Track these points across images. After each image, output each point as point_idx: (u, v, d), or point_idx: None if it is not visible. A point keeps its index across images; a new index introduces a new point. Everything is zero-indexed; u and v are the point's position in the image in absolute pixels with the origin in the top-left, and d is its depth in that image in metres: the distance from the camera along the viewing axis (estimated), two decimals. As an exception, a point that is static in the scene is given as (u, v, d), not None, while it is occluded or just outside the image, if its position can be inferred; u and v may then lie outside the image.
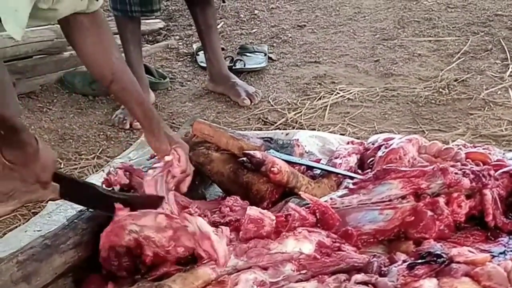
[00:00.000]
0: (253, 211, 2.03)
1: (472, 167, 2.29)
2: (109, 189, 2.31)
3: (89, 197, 2.13)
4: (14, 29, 1.76)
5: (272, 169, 2.32)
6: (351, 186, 2.26)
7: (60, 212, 2.55)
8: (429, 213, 2.13)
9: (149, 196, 2.22)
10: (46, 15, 2.01)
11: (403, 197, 2.17)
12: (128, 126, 3.33)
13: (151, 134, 2.33)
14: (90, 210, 2.18)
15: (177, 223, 1.94)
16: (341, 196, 2.22)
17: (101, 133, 3.31)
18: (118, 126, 3.35)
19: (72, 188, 2.12)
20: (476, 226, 2.24)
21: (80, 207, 2.19)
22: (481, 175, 2.24)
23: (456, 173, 2.21)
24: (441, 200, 2.16)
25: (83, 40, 2.27)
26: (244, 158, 2.41)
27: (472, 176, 2.23)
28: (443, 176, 2.19)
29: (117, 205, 2.03)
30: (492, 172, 2.28)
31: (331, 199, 2.19)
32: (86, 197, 2.13)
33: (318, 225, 2.10)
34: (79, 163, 3.04)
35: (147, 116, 2.32)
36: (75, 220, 2.13)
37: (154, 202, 2.17)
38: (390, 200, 2.17)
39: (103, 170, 2.85)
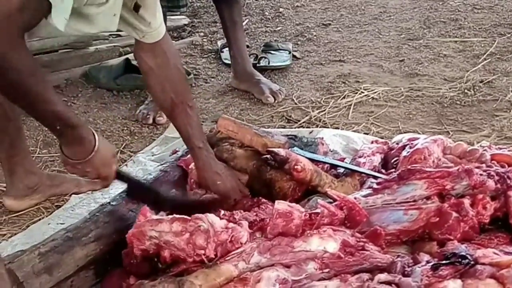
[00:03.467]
0: (282, 205, 2.01)
1: (497, 169, 2.26)
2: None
3: (152, 201, 2.18)
4: (59, 17, 1.79)
5: (295, 167, 2.32)
6: (375, 185, 2.24)
7: (83, 206, 2.56)
8: (454, 214, 2.10)
9: (212, 201, 2.29)
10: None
11: (428, 198, 2.15)
12: (151, 121, 3.34)
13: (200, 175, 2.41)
14: (111, 203, 2.20)
15: (191, 226, 1.92)
16: (365, 196, 2.21)
17: (125, 128, 3.32)
18: (142, 121, 3.36)
19: (135, 190, 2.24)
20: (500, 228, 2.22)
21: (103, 201, 2.21)
22: (506, 177, 2.22)
23: (481, 175, 2.19)
24: (466, 201, 2.14)
25: (144, 72, 2.34)
26: (268, 156, 2.40)
27: (497, 177, 2.20)
28: (468, 177, 2.17)
29: (142, 210, 2.02)
30: None
31: (355, 198, 2.17)
32: (149, 200, 2.17)
33: (346, 221, 2.08)
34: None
35: (196, 159, 2.41)
36: (97, 214, 2.15)
37: (220, 204, 2.23)
38: (414, 201, 2.15)
39: (126, 165, 2.86)
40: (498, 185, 2.20)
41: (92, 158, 2.04)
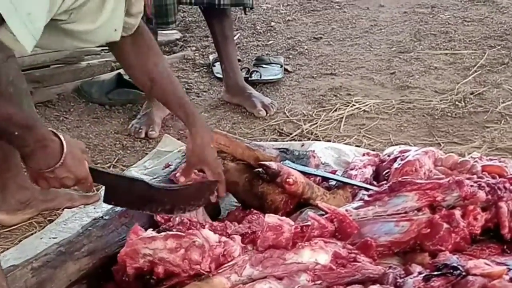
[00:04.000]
0: (272, 218, 2.02)
1: (488, 180, 2.28)
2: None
3: (136, 195, 2.10)
4: (25, 36, 1.66)
5: (287, 180, 2.32)
6: (366, 198, 2.25)
7: (76, 220, 2.56)
8: (445, 225, 2.12)
9: (201, 182, 2.22)
10: (83, 37, 1.98)
11: (419, 209, 2.17)
12: (143, 135, 3.34)
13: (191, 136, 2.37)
14: (104, 218, 2.19)
15: (185, 242, 1.92)
16: (356, 208, 2.22)
17: (117, 142, 3.33)
18: (134, 135, 3.36)
19: (116, 186, 2.07)
20: (491, 238, 2.23)
21: (95, 215, 2.19)
22: (496, 188, 2.23)
23: (471, 186, 2.21)
24: (457, 213, 2.15)
25: (123, 55, 2.32)
26: (260, 169, 2.41)
27: (487, 189, 2.22)
28: (459, 189, 2.18)
29: (133, 228, 2.00)
30: (507, 185, 2.27)
31: (346, 210, 2.18)
32: (133, 195, 2.09)
33: (336, 234, 2.09)
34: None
35: (188, 117, 2.36)
36: (89, 228, 2.15)
37: (209, 187, 2.16)
38: (405, 212, 2.16)
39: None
40: (489, 196, 2.21)
41: (64, 159, 1.87)
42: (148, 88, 2.39)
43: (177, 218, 2.14)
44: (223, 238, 1.99)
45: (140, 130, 3.36)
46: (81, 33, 1.92)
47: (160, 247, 1.92)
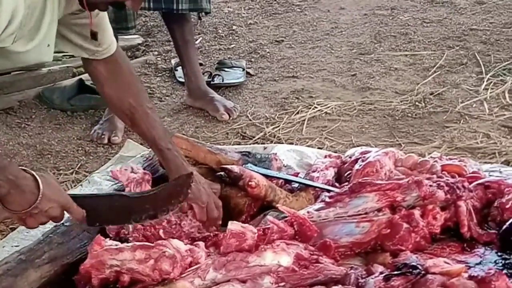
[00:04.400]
0: (235, 225, 2.03)
1: (447, 179, 2.31)
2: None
3: (118, 210, 2.07)
4: None
5: (249, 183, 2.33)
6: (327, 199, 2.27)
7: (38, 228, 2.53)
8: (405, 225, 2.14)
9: (176, 179, 2.20)
10: (16, 58, 1.95)
11: (379, 210, 2.19)
12: (106, 141, 3.33)
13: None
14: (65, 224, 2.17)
15: (155, 252, 1.92)
16: (318, 210, 2.23)
17: (80, 148, 3.31)
18: (97, 141, 3.35)
19: (96, 207, 2.03)
20: (452, 237, 2.26)
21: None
22: (455, 187, 2.27)
23: (430, 186, 2.24)
24: (417, 212, 2.18)
25: (99, 83, 2.33)
26: (222, 173, 2.42)
27: (446, 188, 2.25)
28: (418, 189, 2.21)
29: (96, 239, 1.96)
30: (466, 184, 2.31)
31: (308, 212, 2.20)
32: (114, 210, 2.06)
33: (297, 237, 2.10)
34: (58, 178, 3.02)
35: (166, 162, 2.34)
36: (50, 235, 2.14)
37: (185, 182, 2.14)
38: (366, 213, 2.19)
39: (81, 185, 2.85)
40: (448, 196, 2.24)
41: (43, 192, 1.82)
42: (128, 125, 2.45)
43: (130, 226, 2.13)
44: (188, 246, 1.99)
45: (102, 136, 3.35)
46: (18, 54, 1.89)
47: (128, 258, 1.90)
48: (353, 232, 2.15)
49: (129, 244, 1.95)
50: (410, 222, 2.15)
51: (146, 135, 2.36)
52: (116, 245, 1.95)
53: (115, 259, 1.90)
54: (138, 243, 1.96)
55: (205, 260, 1.95)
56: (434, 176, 2.37)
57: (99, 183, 2.84)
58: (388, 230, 2.15)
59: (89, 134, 3.42)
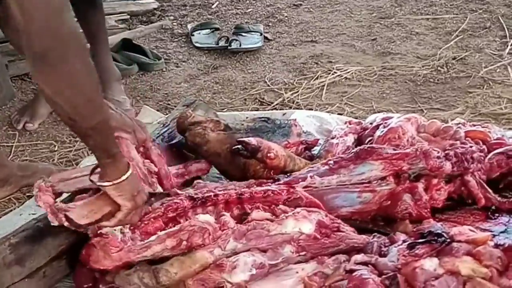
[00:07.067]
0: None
1: (457, 150, 2.24)
2: None
3: None
4: None
5: (268, 154, 2.28)
6: (332, 164, 2.21)
7: (55, 196, 2.51)
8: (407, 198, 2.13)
9: None
10: None
11: (383, 178, 2.15)
12: (21, 127, 3.23)
13: None
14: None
15: (184, 233, 1.87)
16: (321, 176, 2.18)
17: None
18: (13, 124, 3.25)
19: None
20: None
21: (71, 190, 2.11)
22: (463, 159, 2.20)
23: (438, 158, 2.18)
24: (420, 186, 2.14)
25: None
26: (239, 146, 2.37)
27: (454, 159, 2.19)
28: (425, 161, 2.16)
29: (112, 241, 1.89)
30: (476, 155, 2.24)
31: (311, 177, 2.15)
32: None
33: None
34: (74, 146, 3.01)
35: None
36: (67, 200, 2.10)
37: None
38: (369, 182, 2.15)
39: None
40: (455, 168, 2.19)
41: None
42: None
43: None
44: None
45: (19, 120, 3.25)
46: None
47: (159, 250, 1.86)
48: (354, 202, 2.13)
49: (154, 238, 1.89)
50: (413, 195, 2.12)
51: None
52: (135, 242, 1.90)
53: (145, 256, 1.86)
54: (162, 233, 1.90)
55: (225, 230, 1.91)
56: (458, 142, 2.32)
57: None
58: (389, 202, 2.13)
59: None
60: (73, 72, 1.57)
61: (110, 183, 1.78)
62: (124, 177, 1.78)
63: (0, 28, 2.45)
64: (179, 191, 2.09)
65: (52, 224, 1.90)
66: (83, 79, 1.61)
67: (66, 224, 1.88)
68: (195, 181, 2.23)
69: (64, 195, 2.08)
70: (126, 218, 1.85)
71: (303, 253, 1.90)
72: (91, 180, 1.83)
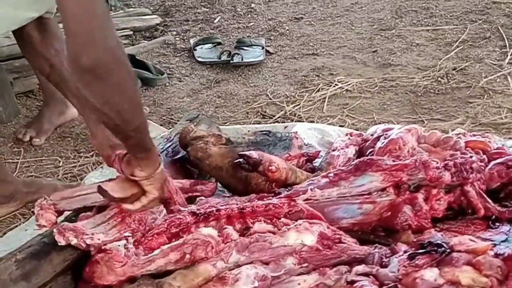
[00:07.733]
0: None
1: (456, 160, 2.26)
2: None
3: None
4: None
5: (270, 167, 2.29)
6: (332, 176, 2.23)
7: (60, 212, 2.53)
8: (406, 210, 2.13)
9: None
10: None
11: (383, 190, 2.16)
12: (27, 140, 3.25)
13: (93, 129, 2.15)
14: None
15: (188, 247, 1.89)
16: (321, 188, 2.20)
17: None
18: (19, 136, 3.27)
19: None
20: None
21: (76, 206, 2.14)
22: (463, 169, 2.22)
23: (437, 168, 2.19)
24: (420, 196, 2.15)
25: (29, 39, 2.32)
26: (241, 159, 2.39)
27: (454, 169, 2.20)
28: (424, 172, 2.17)
29: (115, 256, 1.90)
30: (475, 165, 2.25)
31: (311, 190, 2.17)
32: None
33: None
34: (78, 161, 3.03)
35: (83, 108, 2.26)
36: (73, 218, 2.12)
37: None
38: (369, 193, 2.16)
39: (101, 167, 2.85)
40: (454, 178, 2.20)
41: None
42: (46, 74, 2.38)
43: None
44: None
45: (25, 134, 3.27)
46: None
47: (163, 264, 1.88)
48: (355, 213, 2.14)
49: (157, 252, 1.91)
50: (413, 206, 2.13)
51: (67, 81, 2.31)
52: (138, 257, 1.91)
53: (149, 270, 1.88)
54: (166, 247, 1.91)
55: (228, 243, 1.93)
56: (458, 152, 2.33)
57: (119, 165, 2.83)
58: (389, 213, 2.13)
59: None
60: (120, 81, 1.61)
61: (145, 175, 1.87)
62: (158, 171, 1.88)
63: (20, 49, 2.50)
64: (181, 208, 2.12)
65: (59, 243, 1.92)
66: (127, 85, 1.65)
67: (98, 200, 2.00)
68: (197, 198, 2.26)
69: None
70: (149, 204, 1.95)
71: (305, 264, 1.91)
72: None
